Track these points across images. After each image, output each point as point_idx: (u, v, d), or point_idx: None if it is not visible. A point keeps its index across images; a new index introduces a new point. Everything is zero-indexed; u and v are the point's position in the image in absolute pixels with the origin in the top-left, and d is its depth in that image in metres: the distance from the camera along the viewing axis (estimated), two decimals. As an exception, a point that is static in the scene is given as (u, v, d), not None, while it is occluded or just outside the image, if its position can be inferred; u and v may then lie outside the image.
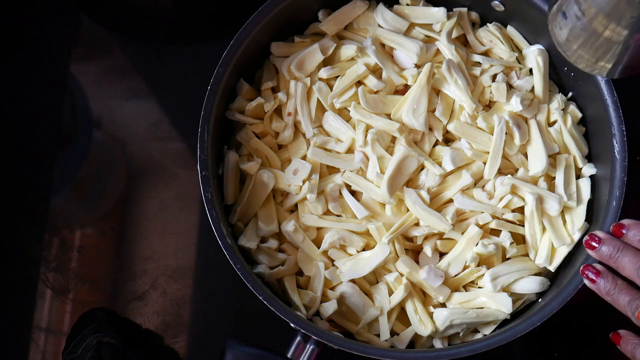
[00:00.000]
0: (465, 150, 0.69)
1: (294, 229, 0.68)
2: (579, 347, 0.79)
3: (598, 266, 0.62)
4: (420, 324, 0.67)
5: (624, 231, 0.62)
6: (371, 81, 0.70)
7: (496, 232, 0.69)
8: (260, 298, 0.63)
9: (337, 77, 0.71)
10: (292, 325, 0.63)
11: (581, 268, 0.63)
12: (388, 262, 0.68)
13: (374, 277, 0.69)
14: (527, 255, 0.69)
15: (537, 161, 0.69)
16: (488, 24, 0.74)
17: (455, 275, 0.68)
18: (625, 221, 0.63)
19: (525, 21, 0.73)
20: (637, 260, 0.60)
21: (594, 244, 0.63)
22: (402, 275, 0.68)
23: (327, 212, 0.70)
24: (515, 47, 0.74)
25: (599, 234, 0.63)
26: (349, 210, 0.69)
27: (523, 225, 0.69)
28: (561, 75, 0.73)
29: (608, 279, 0.61)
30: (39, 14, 0.87)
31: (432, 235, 0.69)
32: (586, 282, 0.63)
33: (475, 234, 0.67)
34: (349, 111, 0.70)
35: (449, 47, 0.71)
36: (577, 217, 0.69)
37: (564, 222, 0.69)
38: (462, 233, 0.68)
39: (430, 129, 0.71)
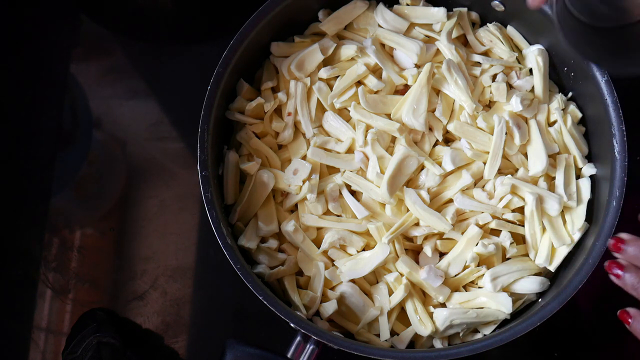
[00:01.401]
0: (465, 150, 0.69)
1: (293, 229, 0.68)
2: (579, 347, 0.79)
3: (622, 261, 0.62)
4: (420, 324, 0.67)
5: (622, 246, 0.62)
6: (371, 81, 0.70)
7: (496, 232, 0.69)
8: (260, 298, 0.63)
9: (337, 77, 0.71)
10: (292, 325, 0.63)
11: (606, 264, 0.63)
12: (388, 262, 0.68)
13: (374, 277, 0.69)
14: (527, 255, 0.69)
15: (537, 161, 0.69)
16: (488, 24, 0.74)
17: (455, 275, 0.68)
18: (623, 235, 0.63)
19: (525, 21, 0.73)
20: None
21: (620, 245, 0.63)
22: (402, 275, 0.68)
23: (327, 212, 0.70)
24: (515, 47, 0.74)
25: (623, 235, 0.63)
26: (349, 210, 0.69)
27: (523, 225, 0.69)
28: (561, 75, 0.73)
29: (632, 272, 0.61)
30: (39, 14, 0.87)
31: (432, 235, 0.69)
32: (612, 277, 0.62)
33: (475, 234, 0.67)
34: (349, 111, 0.70)
35: (449, 47, 0.71)
36: (577, 217, 0.69)
37: (564, 222, 0.69)
38: (462, 233, 0.68)
39: (430, 129, 0.71)
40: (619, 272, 0.62)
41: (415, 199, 0.67)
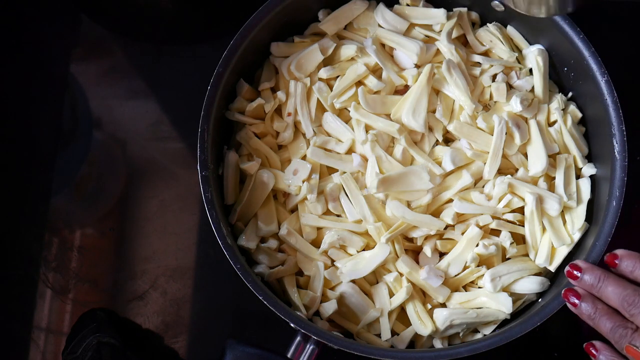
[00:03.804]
0: (465, 150, 0.69)
1: (287, 232, 0.68)
2: (579, 347, 0.79)
3: (579, 289, 0.62)
4: (421, 324, 0.67)
5: (617, 261, 0.61)
6: (371, 81, 0.70)
7: (496, 232, 0.69)
8: (260, 298, 0.63)
9: (337, 77, 0.71)
10: (292, 325, 0.63)
11: (563, 291, 0.62)
12: (388, 262, 0.68)
13: (374, 277, 0.69)
14: (527, 255, 0.69)
15: (537, 161, 0.69)
16: (488, 24, 0.74)
17: (456, 276, 0.68)
18: (618, 251, 0.62)
19: (525, 21, 0.73)
20: (621, 289, 0.59)
21: (576, 273, 0.62)
22: (401, 275, 0.68)
23: (327, 212, 0.70)
24: (515, 47, 0.74)
25: (580, 263, 0.62)
26: (349, 210, 0.69)
27: (523, 226, 0.69)
28: (561, 75, 0.73)
29: (589, 302, 0.61)
30: (39, 14, 0.87)
31: (432, 235, 0.69)
32: (569, 305, 0.62)
33: (475, 234, 0.67)
34: (349, 111, 0.70)
35: (449, 47, 0.71)
36: (577, 217, 0.69)
37: (564, 222, 0.69)
38: (462, 233, 0.68)
39: (430, 129, 0.71)
40: (576, 300, 0.61)
41: (400, 209, 0.67)
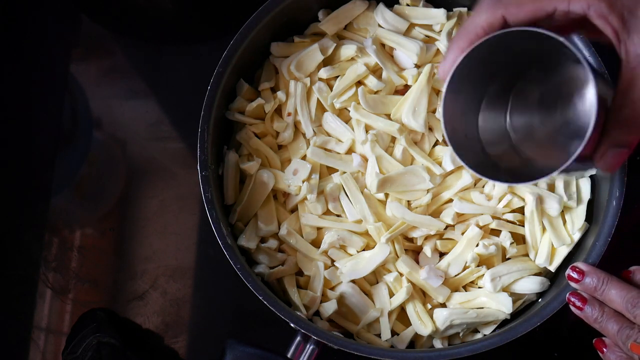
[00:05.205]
0: (465, 150, 0.69)
1: (287, 232, 0.68)
2: (579, 347, 0.79)
3: (584, 293, 0.62)
4: (421, 324, 0.67)
5: (631, 275, 0.61)
6: (371, 81, 0.70)
7: (496, 232, 0.69)
8: (260, 298, 0.63)
9: (337, 77, 0.71)
10: (292, 325, 0.63)
11: (567, 295, 0.62)
12: (388, 262, 0.68)
13: (374, 277, 0.69)
14: (527, 255, 0.69)
15: (537, 161, 0.69)
16: (488, 24, 0.74)
17: (456, 276, 0.68)
18: (581, 266, 0.62)
19: (525, 21, 0.73)
20: (625, 292, 0.59)
21: (576, 276, 0.62)
22: (401, 275, 0.68)
23: (327, 212, 0.70)
24: (515, 47, 0.74)
25: (581, 266, 0.62)
26: (349, 210, 0.69)
27: (523, 226, 0.69)
28: (561, 75, 0.73)
29: (595, 306, 0.60)
30: (39, 14, 0.87)
31: (432, 235, 0.69)
32: (573, 309, 0.62)
33: (475, 234, 0.67)
34: (349, 111, 0.70)
35: (449, 47, 0.71)
36: (577, 217, 0.69)
37: (564, 222, 0.69)
38: (463, 233, 0.68)
39: (430, 129, 0.71)
40: (580, 304, 0.61)
41: (400, 210, 0.67)
